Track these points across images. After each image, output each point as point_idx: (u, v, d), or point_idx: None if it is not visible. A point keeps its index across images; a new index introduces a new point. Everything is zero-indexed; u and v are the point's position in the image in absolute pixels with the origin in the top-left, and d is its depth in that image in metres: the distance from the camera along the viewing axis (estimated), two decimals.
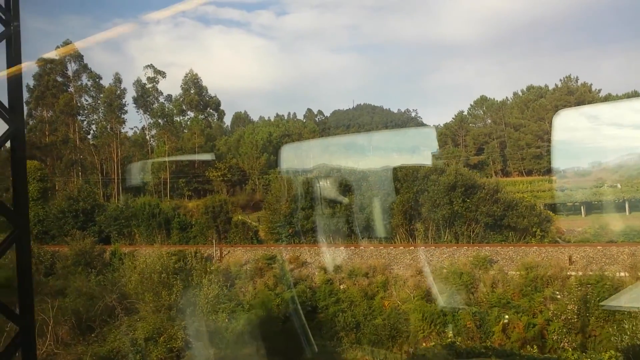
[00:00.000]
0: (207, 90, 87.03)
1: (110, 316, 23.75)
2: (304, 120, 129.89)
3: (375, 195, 41.34)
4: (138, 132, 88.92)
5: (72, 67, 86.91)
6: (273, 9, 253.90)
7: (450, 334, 28.56)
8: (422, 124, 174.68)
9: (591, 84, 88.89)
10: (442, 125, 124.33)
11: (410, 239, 41.34)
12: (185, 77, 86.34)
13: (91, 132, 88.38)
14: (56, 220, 52.04)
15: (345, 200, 42.44)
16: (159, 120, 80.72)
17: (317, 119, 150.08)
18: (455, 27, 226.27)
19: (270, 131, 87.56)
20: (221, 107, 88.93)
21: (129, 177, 79.75)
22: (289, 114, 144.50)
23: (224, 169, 76.43)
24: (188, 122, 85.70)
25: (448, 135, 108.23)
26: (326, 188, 43.50)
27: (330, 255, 37.59)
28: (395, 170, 42.01)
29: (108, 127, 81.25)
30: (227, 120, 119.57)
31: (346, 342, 30.06)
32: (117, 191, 75.59)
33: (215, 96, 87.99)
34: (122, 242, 46.51)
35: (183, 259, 39.14)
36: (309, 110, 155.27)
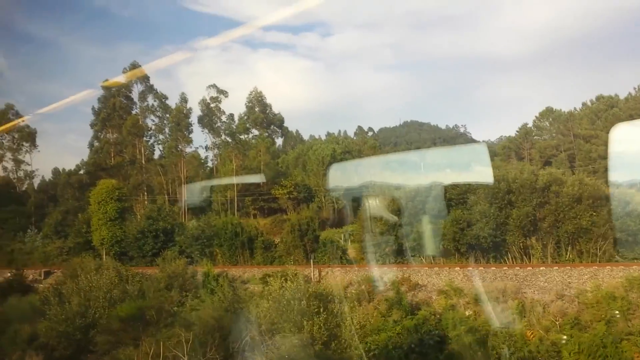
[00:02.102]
0: (271, 108, 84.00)
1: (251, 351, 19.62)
2: (354, 138, 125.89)
3: (484, 211, 36.64)
4: (204, 151, 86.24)
5: (137, 89, 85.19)
6: (318, 30, 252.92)
7: None
8: (471, 140, 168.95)
9: None
10: (492, 140, 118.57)
11: (525, 258, 36.52)
12: (249, 95, 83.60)
13: (157, 152, 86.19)
14: (135, 241, 48.89)
15: (449, 216, 37.93)
16: (227, 139, 77.63)
17: (367, 135, 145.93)
18: (499, 42, 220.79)
19: (334, 148, 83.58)
20: (285, 125, 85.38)
21: (195, 196, 76.87)
22: (339, 131, 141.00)
23: (290, 187, 72.65)
24: (252, 140, 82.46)
25: (512, 149, 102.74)
26: (427, 204, 39.11)
27: (445, 276, 33.09)
28: (509, 181, 37.29)
29: (177, 146, 78.57)
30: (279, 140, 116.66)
31: None
32: (184, 211, 72.62)
33: (279, 114, 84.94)
34: (205, 263, 42.85)
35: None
36: (360, 127, 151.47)
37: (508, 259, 36.72)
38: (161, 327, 20.93)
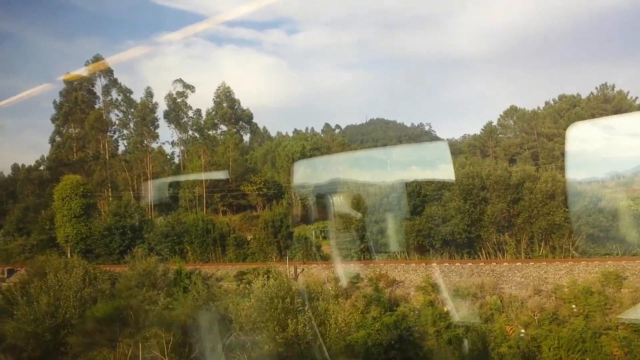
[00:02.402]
0: (239, 104, 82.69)
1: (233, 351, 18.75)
2: (322, 135, 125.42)
3: (459, 207, 36.53)
4: (170, 147, 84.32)
5: (101, 83, 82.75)
6: (284, 27, 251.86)
7: None
8: (435, 138, 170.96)
9: (628, 92, 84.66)
10: (456, 138, 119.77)
11: (499, 254, 36.61)
12: (217, 90, 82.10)
13: (120, 147, 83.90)
14: (101, 238, 47.23)
15: (424, 212, 37.73)
16: (196, 134, 76.04)
17: (335, 132, 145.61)
18: (464, 42, 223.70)
19: (304, 144, 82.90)
20: (253, 121, 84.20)
21: (162, 192, 75.10)
22: (307, 128, 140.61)
23: (260, 183, 71.63)
24: (221, 136, 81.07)
25: (477, 147, 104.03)
26: (401, 200, 38.80)
27: (422, 272, 32.82)
28: (482, 178, 37.29)
29: (142, 142, 76.54)
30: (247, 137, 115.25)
31: None
32: (151, 207, 70.83)
33: (248, 109, 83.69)
34: (176, 260, 41.65)
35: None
36: (327, 125, 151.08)
37: (482, 254, 36.79)
38: (140, 328, 19.89)
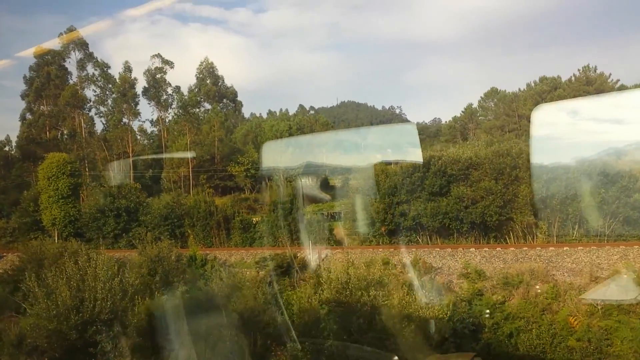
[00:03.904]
0: (223, 80, 78.14)
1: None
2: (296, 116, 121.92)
3: (489, 188, 33.87)
4: (149, 125, 79.28)
5: (75, 57, 76.87)
6: (251, 6, 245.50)
7: None
8: (406, 121, 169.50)
9: (610, 74, 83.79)
10: (426, 122, 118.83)
11: (529, 238, 34.18)
12: (200, 65, 77.34)
13: (98, 125, 78.34)
14: (93, 221, 42.88)
15: (451, 194, 34.95)
16: (178, 112, 71.28)
17: (310, 114, 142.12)
18: (435, 25, 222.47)
19: (290, 124, 79.30)
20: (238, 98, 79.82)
21: (142, 173, 70.46)
22: (281, 110, 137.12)
23: (247, 164, 67.74)
24: (204, 115, 76.56)
25: (457, 129, 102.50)
26: (425, 179, 35.89)
27: (460, 258, 30.04)
28: (514, 156, 34.72)
29: (122, 119, 71.36)
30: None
31: None
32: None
33: (232, 86, 79.25)
34: (190, 245, 37.90)
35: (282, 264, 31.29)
36: (301, 106, 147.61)
37: (509, 238, 34.34)
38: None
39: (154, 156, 71.23)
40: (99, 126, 76.96)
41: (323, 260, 32.35)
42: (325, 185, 60.27)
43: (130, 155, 69.77)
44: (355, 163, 53.97)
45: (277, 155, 65.67)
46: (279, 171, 59.84)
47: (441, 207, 34.76)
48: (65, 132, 75.32)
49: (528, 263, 28.14)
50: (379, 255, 31.37)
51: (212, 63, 77.29)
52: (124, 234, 42.46)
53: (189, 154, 68.73)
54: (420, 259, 30.23)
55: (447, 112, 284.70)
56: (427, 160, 36.14)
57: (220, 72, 77.82)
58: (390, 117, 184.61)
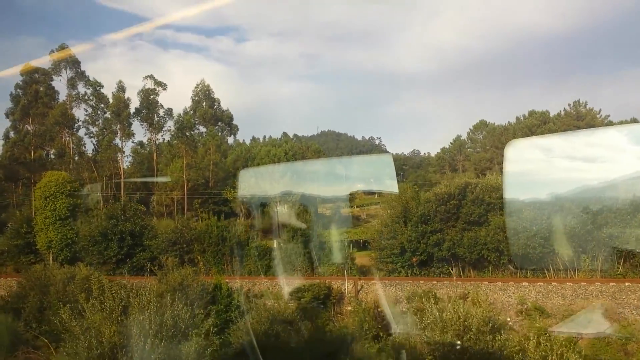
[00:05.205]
0: (219, 103, 74.90)
1: None
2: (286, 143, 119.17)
3: (533, 218, 31.37)
4: (139, 147, 74.91)
5: (66, 75, 72.70)
6: (232, 35, 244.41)
7: None
8: (385, 151, 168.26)
9: (600, 110, 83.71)
10: (406, 153, 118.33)
11: (570, 272, 31.60)
12: (196, 88, 73.98)
13: (87, 145, 73.64)
14: (94, 245, 38.76)
15: (493, 222, 32.28)
16: (178, 133, 67.45)
17: (293, 141, 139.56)
18: (412, 59, 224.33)
19: (286, 149, 76.31)
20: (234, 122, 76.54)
21: (130, 196, 66.11)
22: (264, 137, 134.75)
23: (247, 188, 64.19)
24: (199, 137, 72.94)
25: (446, 160, 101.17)
26: (464, 206, 33.23)
27: (512, 292, 27.23)
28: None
29: (113, 140, 67.12)
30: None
31: None
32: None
33: (228, 110, 76.02)
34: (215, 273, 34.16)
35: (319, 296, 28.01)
36: (285, 134, 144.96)
37: (549, 272, 31.74)
38: None
39: (148, 179, 67.07)
40: (88, 146, 72.40)
41: (360, 291, 29.16)
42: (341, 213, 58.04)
43: (122, 177, 65.60)
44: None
45: (274, 182, 62.75)
46: (276, 197, 56.66)
47: (480, 238, 32.04)
48: (52, 152, 70.60)
49: (591, 299, 25.52)
50: (421, 288, 28.39)
51: (208, 85, 74.21)
52: (127, 259, 38.44)
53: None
54: (467, 293, 27.38)
55: (426, 144, 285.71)
56: (463, 187, 33.53)
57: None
58: (370, 147, 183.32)
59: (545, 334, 23.92)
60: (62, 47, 74.04)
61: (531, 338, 16.05)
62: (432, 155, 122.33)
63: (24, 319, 26.21)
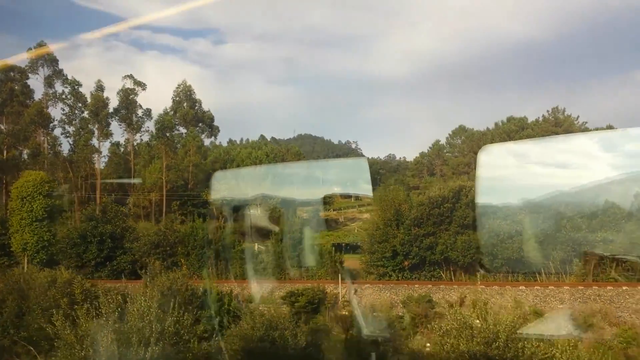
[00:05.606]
0: (200, 104, 73.29)
1: None
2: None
3: (528, 222, 30.91)
4: (115, 147, 72.78)
5: (43, 73, 70.15)
6: (210, 37, 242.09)
7: None
8: (361, 155, 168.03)
9: (578, 116, 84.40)
10: (382, 157, 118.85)
11: (563, 275, 31.21)
12: (177, 88, 72.23)
13: (62, 145, 71.09)
14: (72, 247, 37.02)
15: (489, 226, 31.70)
16: (158, 133, 65.52)
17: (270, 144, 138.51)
18: (389, 64, 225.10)
19: (267, 152, 75.19)
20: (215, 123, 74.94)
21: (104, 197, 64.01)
22: (242, 139, 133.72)
23: (224, 190, 62.70)
24: (178, 138, 71.20)
25: (424, 164, 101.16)
26: (458, 209, 32.57)
27: (509, 296, 26.62)
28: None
29: (90, 140, 64.84)
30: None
31: None
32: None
33: (209, 111, 74.44)
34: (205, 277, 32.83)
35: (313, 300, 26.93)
36: (262, 136, 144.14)
37: (540, 276, 31.32)
38: None
39: (125, 180, 65.13)
40: (64, 146, 69.97)
41: (354, 295, 28.23)
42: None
43: (98, 177, 63.56)
44: None
45: (255, 184, 61.60)
46: (255, 200, 55.47)
47: (473, 241, 31.43)
48: (25, 151, 68.02)
49: (589, 303, 25.03)
50: (417, 291, 27.57)
51: (189, 86, 72.52)
52: (107, 262, 36.79)
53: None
54: (464, 297, 26.67)
55: (402, 149, 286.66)
56: (457, 190, 32.90)
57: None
58: (347, 151, 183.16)
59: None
60: (41, 45, 71.43)
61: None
62: (408, 160, 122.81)
63: (0, 325, 24.59)
